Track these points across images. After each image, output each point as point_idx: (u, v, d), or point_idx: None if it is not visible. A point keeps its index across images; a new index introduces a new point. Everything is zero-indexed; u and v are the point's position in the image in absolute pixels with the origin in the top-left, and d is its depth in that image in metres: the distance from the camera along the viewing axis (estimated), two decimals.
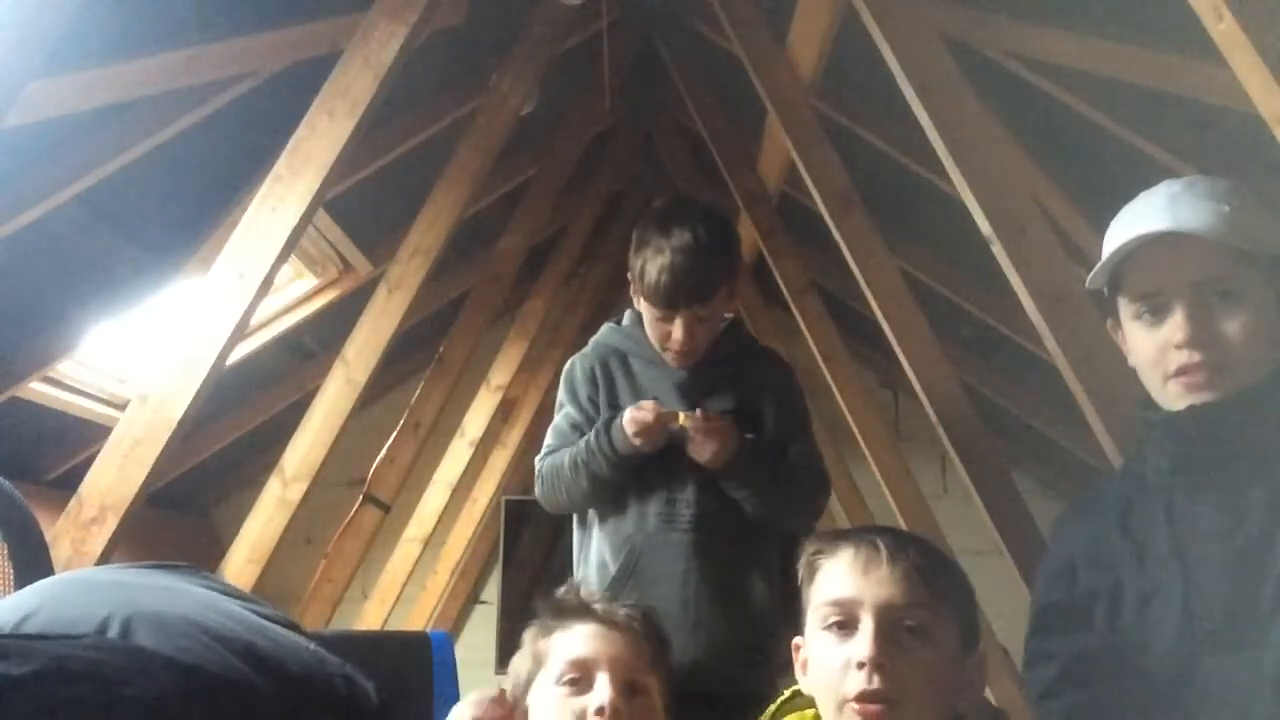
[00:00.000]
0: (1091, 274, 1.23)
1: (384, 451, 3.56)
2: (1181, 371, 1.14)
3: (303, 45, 2.45)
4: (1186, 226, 1.14)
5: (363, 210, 3.39)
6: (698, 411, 1.69)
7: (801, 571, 1.16)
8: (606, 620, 1.26)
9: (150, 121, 2.33)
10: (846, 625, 1.07)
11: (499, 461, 5.14)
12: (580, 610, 1.29)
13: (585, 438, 1.75)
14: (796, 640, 1.17)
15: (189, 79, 2.29)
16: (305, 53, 2.47)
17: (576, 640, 1.25)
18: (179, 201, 2.71)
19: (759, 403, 1.79)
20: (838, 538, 1.14)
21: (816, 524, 1.85)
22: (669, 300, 1.69)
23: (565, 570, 1.83)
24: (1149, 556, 1.15)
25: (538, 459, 1.82)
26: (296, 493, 2.88)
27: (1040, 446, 4.43)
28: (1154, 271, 1.16)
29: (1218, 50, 1.34)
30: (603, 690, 1.19)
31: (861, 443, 3.77)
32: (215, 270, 2.20)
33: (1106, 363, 1.76)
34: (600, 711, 1.18)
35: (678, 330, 1.71)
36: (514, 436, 5.14)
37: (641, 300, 1.76)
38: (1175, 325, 1.14)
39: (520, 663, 1.30)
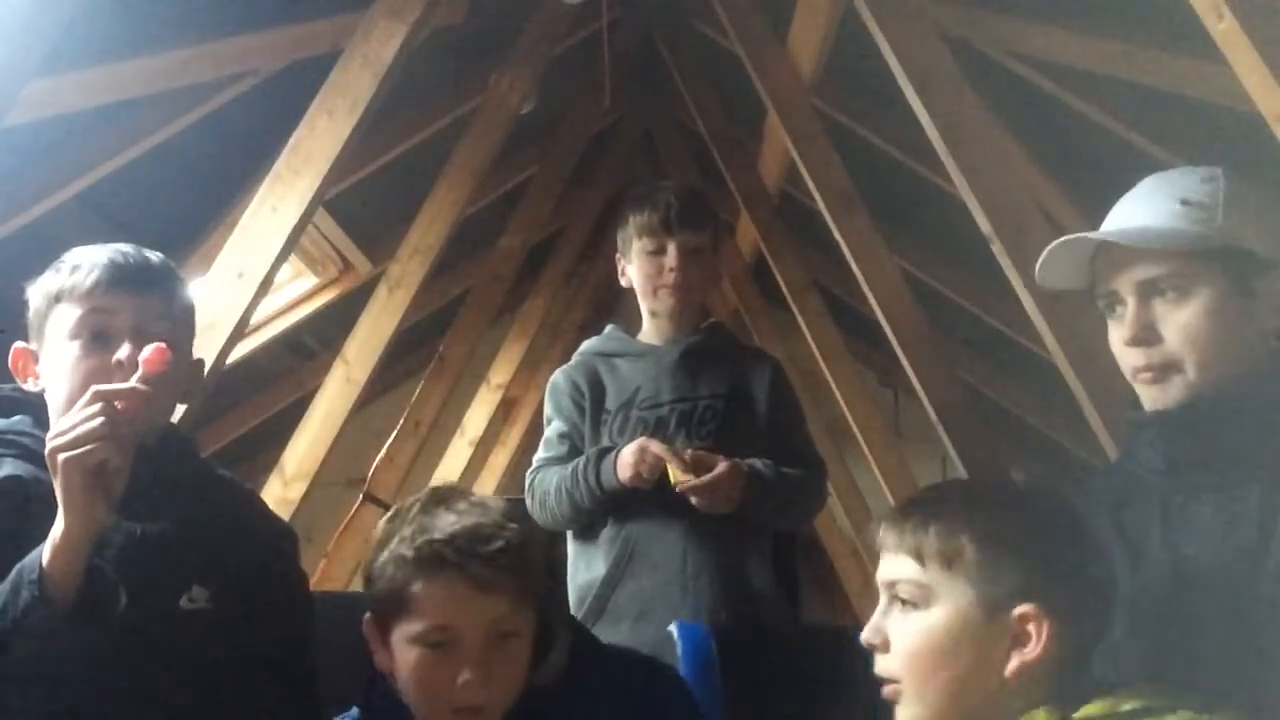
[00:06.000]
0: (1042, 274, 1.23)
1: (384, 451, 3.56)
2: (1137, 370, 1.15)
3: (303, 44, 2.45)
4: (1128, 226, 1.16)
5: (363, 209, 3.39)
6: (688, 452, 1.64)
7: None
8: (475, 579, 1.14)
9: (150, 121, 2.33)
10: None
11: (499, 461, 5.15)
12: (446, 562, 1.15)
13: (574, 464, 1.71)
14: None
15: (189, 79, 2.29)
16: (305, 52, 2.47)
17: (441, 602, 1.14)
18: (179, 201, 2.70)
19: (751, 388, 1.81)
20: None
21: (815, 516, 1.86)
22: (663, 221, 1.74)
23: (565, 568, 1.82)
24: (1144, 557, 1.15)
25: (528, 472, 1.81)
26: (296, 492, 2.89)
27: (1040, 446, 4.43)
28: (1110, 270, 1.18)
29: (1218, 50, 1.34)
30: (468, 666, 1.11)
31: (862, 442, 3.77)
32: (215, 270, 2.20)
33: (1106, 362, 1.75)
34: (467, 685, 1.10)
35: (671, 257, 1.75)
36: (514, 436, 5.15)
37: (634, 247, 1.79)
38: (1124, 324, 1.15)
39: (381, 576, 1.19)
